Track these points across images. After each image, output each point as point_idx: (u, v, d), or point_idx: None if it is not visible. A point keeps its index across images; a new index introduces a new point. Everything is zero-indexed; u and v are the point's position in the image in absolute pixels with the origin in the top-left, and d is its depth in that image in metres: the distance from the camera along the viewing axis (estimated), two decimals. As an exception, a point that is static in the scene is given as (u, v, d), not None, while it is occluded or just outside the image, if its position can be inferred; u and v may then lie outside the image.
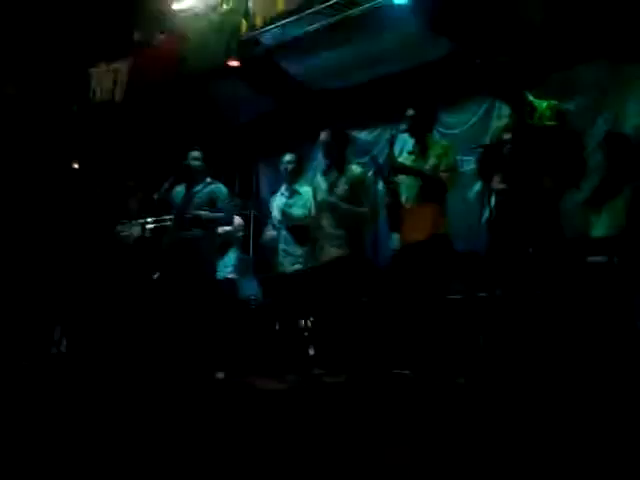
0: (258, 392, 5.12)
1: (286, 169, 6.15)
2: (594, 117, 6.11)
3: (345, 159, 5.63)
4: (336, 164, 5.59)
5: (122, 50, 7.76)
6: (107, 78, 7.64)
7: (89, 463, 3.23)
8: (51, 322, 7.41)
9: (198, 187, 6.22)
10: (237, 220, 7.17)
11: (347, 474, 2.86)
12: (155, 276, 6.81)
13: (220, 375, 6.08)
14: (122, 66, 7.61)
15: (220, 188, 6.29)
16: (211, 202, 6.19)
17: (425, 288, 4.96)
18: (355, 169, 5.58)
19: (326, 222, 5.53)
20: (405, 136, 5.36)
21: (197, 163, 6.23)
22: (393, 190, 5.20)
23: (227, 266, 6.97)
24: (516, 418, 3.51)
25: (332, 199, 5.51)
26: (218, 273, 6.68)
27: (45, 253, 7.77)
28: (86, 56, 7.87)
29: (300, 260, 5.93)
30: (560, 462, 2.79)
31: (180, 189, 6.28)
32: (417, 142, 5.23)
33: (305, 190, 6.10)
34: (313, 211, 5.81)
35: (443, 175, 5.06)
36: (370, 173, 5.72)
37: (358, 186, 5.51)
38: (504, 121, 4.89)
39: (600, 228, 5.05)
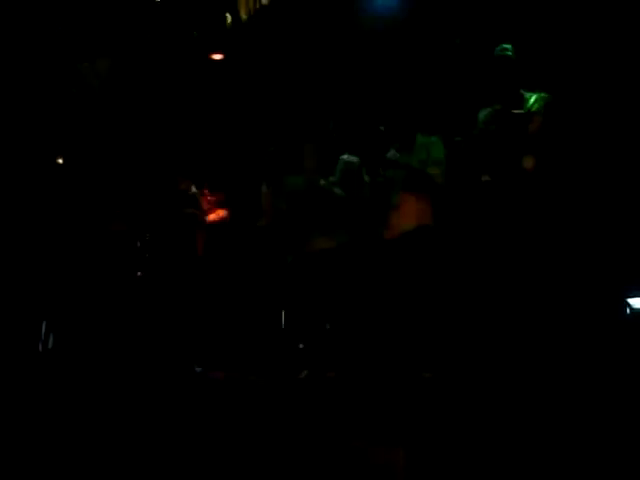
0: (246, 387, 5.13)
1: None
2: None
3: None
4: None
5: (105, 42, 7.71)
6: (90, 72, 7.58)
7: (78, 460, 3.24)
8: (37, 318, 7.35)
9: None
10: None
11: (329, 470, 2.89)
12: (139, 273, 6.81)
13: (198, 369, 6.11)
14: (105, 60, 7.56)
15: None
16: None
17: (410, 279, 5.00)
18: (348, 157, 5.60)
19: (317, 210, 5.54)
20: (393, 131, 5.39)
21: None
22: (381, 183, 5.23)
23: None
24: (502, 412, 3.55)
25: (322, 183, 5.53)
26: None
27: (31, 247, 7.71)
28: (69, 49, 7.81)
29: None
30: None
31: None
32: (405, 136, 5.25)
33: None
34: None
35: (431, 169, 5.10)
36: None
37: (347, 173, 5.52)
38: (490, 111, 4.91)
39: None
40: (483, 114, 5.15)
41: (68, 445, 3.63)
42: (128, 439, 3.67)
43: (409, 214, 5.09)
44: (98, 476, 3.34)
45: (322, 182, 5.53)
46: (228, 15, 6.78)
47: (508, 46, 4.68)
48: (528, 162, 4.43)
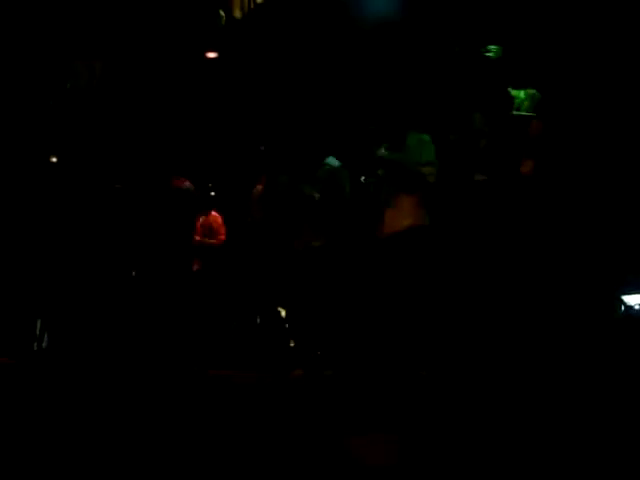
0: (235, 385, 5.14)
1: None
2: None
3: None
4: None
5: (98, 43, 7.70)
6: (84, 74, 7.58)
7: (73, 459, 3.24)
8: (32, 317, 7.35)
9: None
10: None
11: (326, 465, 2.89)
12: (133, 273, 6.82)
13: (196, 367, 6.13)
14: (98, 60, 7.56)
15: None
16: None
17: (404, 278, 5.00)
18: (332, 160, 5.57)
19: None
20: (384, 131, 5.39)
21: None
22: (374, 183, 5.23)
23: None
24: (497, 407, 3.55)
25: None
26: None
27: (25, 246, 7.71)
28: (63, 50, 7.80)
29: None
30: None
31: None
32: (395, 136, 5.24)
33: None
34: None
35: (424, 169, 5.10)
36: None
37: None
38: (482, 112, 4.91)
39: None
40: (479, 115, 5.16)
41: (63, 444, 3.63)
42: (124, 437, 3.67)
43: (404, 214, 5.08)
44: (94, 475, 3.34)
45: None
46: (222, 13, 6.78)
47: (493, 47, 4.66)
48: (526, 166, 4.43)
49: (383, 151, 5.28)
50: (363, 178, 5.35)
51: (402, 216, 5.05)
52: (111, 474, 3.24)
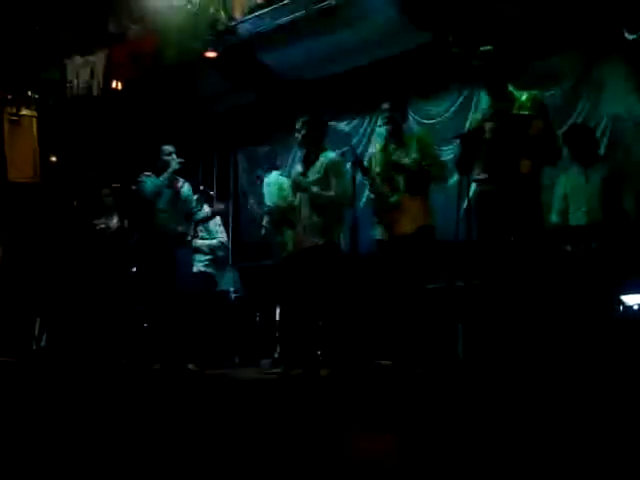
0: (233, 383, 5.14)
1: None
2: (573, 106, 6.23)
3: (322, 148, 5.49)
4: (313, 152, 5.47)
5: (98, 42, 7.67)
6: (84, 71, 7.55)
7: (70, 458, 3.23)
8: (31, 316, 7.36)
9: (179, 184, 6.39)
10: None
11: (325, 465, 2.88)
12: (133, 269, 6.82)
13: (191, 366, 6.14)
14: (99, 58, 7.53)
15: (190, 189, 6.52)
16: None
17: (413, 279, 4.98)
18: (330, 154, 5.46)
19: (303, 208, 5.44)
20: (381, 130, 5.35)
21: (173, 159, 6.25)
22: (375, 183, 5.21)
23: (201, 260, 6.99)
24: (496, 406, 3.55)
25: (298, 178, 5.44)
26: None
27: (24, 247, 7.72)
28: (62, 47, 7.78)
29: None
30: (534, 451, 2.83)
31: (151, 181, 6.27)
32: (394, 135, 5.22)
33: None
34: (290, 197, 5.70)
35: (428, 169, 5.08)
36: (348, 164, 5.61)
37: (331, 170, 5.35)
38: (483, 112, 4.88)
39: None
40: (475, 115, 5.14)
41: (62, 443, 3.62)
42: (123, 437, 3.67)
43: (410, 215, 5.07)
44: (92, 475, 3.33)
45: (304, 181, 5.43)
46: (222, 12, 6.76)
47: (488, 47, 4.63)
48: (525, 166, 4.41)
49: (382, 150, 5.27)
50: (363, 178, 5.30)
51: (407, 218, 5.03)
52: (110, 473, 3.23)
